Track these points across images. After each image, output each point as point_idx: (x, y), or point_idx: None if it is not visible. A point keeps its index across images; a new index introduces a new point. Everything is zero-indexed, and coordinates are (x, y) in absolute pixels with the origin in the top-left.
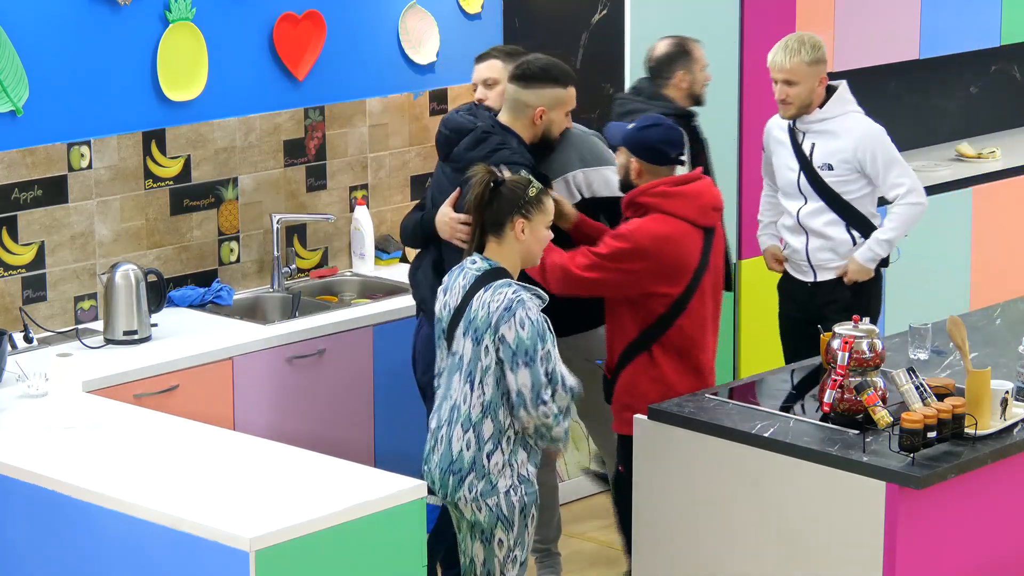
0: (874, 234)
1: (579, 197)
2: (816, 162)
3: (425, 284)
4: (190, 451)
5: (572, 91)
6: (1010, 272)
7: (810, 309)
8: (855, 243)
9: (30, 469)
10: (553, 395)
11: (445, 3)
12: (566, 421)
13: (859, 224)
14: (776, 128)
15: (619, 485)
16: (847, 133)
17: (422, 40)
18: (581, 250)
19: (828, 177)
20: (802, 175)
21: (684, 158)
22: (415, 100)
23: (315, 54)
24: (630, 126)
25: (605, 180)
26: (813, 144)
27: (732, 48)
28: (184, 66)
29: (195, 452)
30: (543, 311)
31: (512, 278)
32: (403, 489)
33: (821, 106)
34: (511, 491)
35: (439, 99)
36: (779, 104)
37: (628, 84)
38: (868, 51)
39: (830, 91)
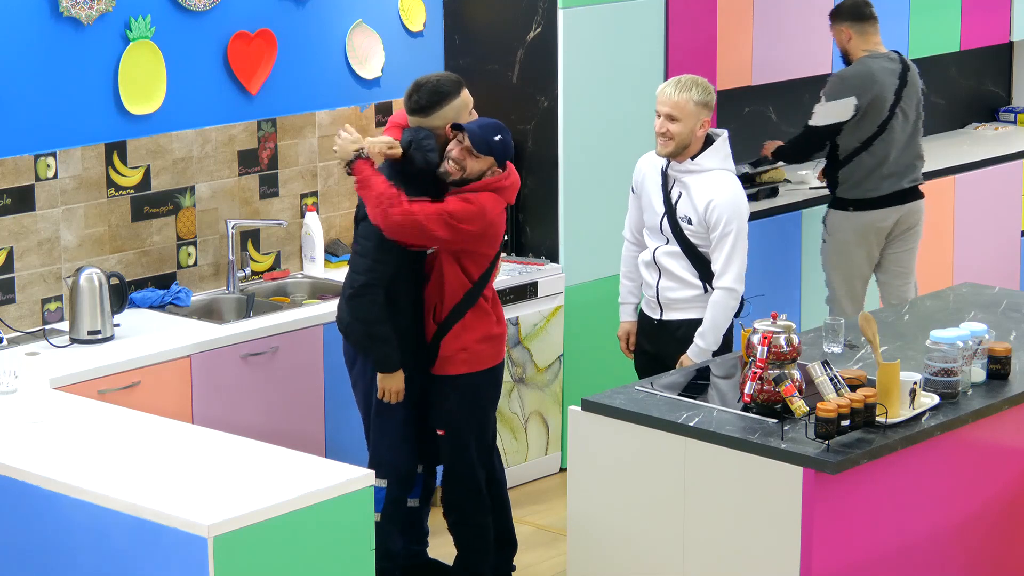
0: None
1: None
2: (679, 212)
3: (340, 301)
4: (151, 444)
5: (465, 94)
6: (919, 272)
7: (656, 345)
8: (705, 291)
9: (0, 461)
10: None
11: (389, 22)
12: None
13: (710, 277)
14: (651, 167)
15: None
16: (707, 192)
17: (368, 56)
18: (426, 202)
19: (686, 229)
20: (665, 219)
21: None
22: (362, 112)
23: (267, 70)
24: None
25: None
26: (680, 194)
27: (658, 64)
28: (144, 81)
29: (156, 444)
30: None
31: None
32: (352, 477)
33: (697, 155)
34: None
35: (384, 111)
36: (658, 138)
37: (562, 97)
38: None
39: (709, 142)
